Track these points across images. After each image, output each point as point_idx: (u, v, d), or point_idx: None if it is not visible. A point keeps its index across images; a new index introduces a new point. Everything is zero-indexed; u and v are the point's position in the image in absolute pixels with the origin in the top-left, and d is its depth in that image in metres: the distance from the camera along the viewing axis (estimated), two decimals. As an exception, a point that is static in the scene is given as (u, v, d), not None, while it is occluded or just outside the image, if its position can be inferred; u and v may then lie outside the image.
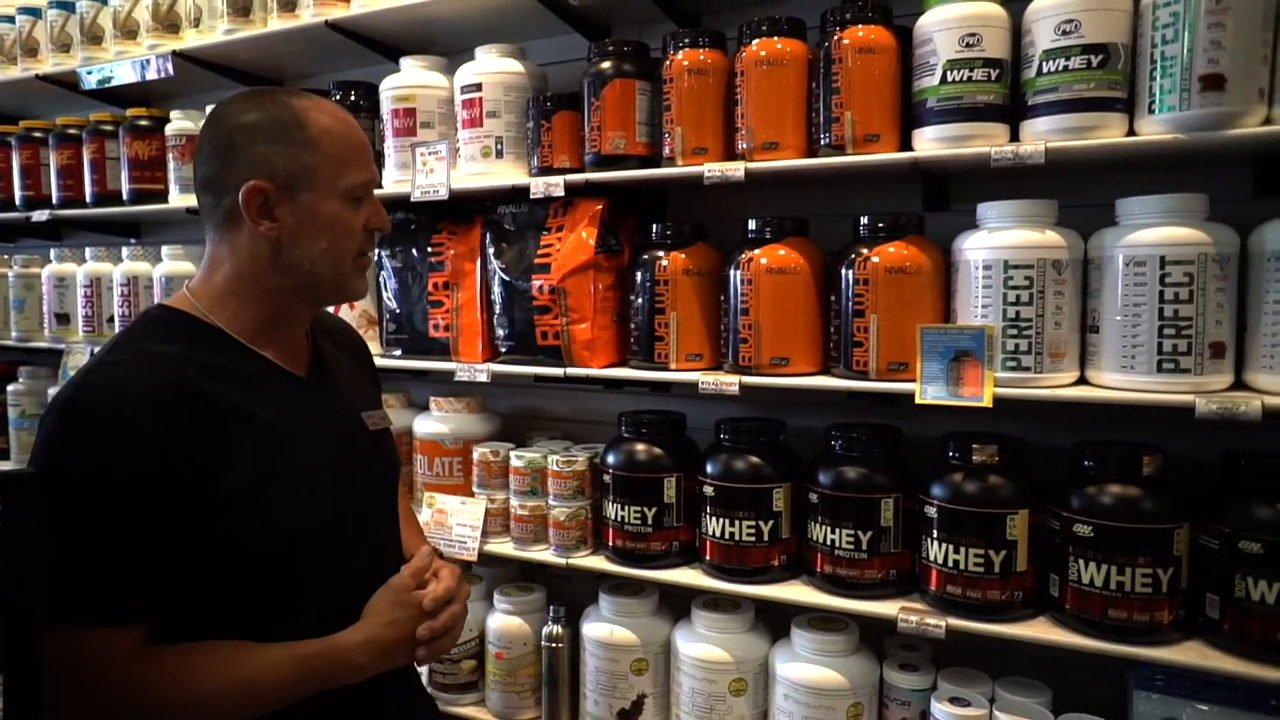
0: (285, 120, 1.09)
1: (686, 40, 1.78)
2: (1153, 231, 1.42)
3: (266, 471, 1.04)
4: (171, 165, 2.49)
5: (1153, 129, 1.41)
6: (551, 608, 1.99)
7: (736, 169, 1.68)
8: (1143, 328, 1.42)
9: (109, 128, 2.63)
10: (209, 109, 2.39)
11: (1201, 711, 1.46)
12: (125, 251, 2.58)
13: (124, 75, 2.46)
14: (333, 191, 1.11)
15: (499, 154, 2.01)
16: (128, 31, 2.50)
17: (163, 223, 2.95)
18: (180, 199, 2.48)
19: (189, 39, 2.40)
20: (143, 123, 2.56)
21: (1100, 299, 1.48)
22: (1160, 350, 1.41)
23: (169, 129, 2.49)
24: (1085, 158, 1.50)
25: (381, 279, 2.19)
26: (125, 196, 2.59)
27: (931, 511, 1.59)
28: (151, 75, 2.39)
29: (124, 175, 2.59)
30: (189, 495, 0.98)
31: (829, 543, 1.68)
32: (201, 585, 1.02)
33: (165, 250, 2.53)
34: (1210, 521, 1.43)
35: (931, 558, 1.59)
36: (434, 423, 2.15)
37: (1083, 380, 1.53)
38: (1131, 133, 1.45)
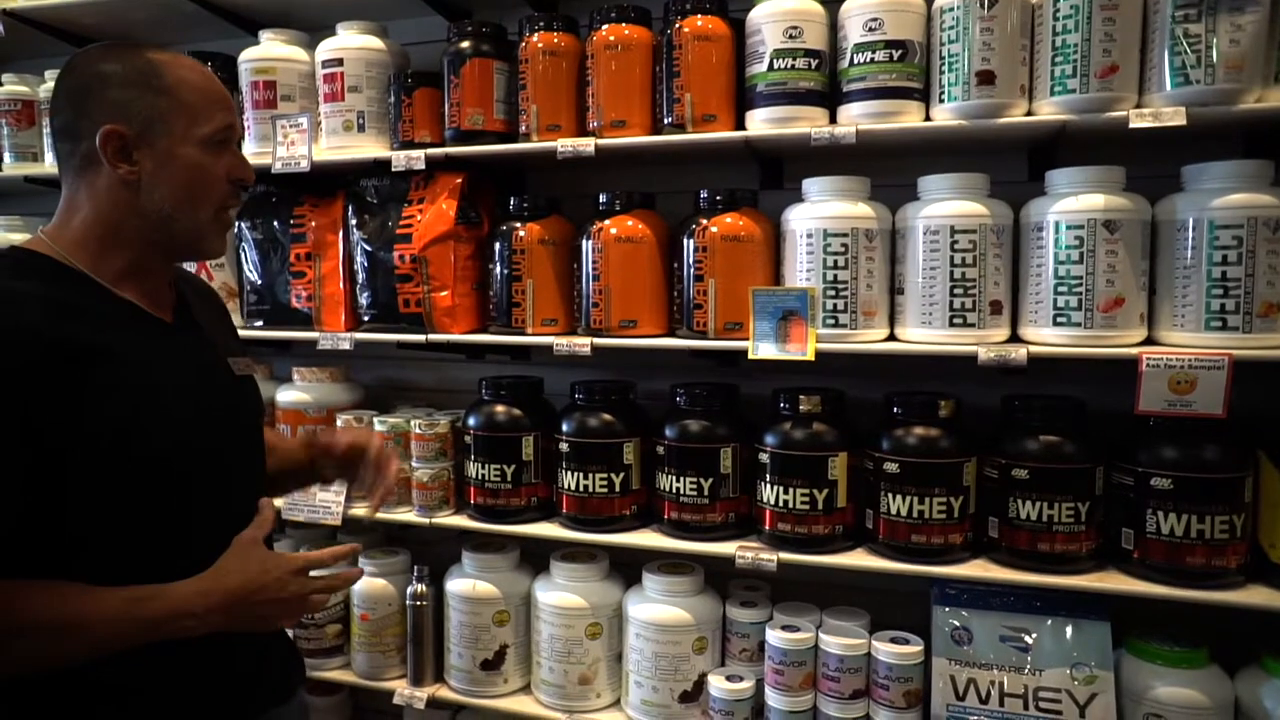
0: (142, 68, 1.10)
1: (542, 23, 1.89)
2: (946, 205, 1.64)
3: (135, 407, 1.04)
4: (5, 131, 2.38)
5: (943, 116, 1.63)
6: (416, 567, 2.06)
7: (587, 144, 1.80)
8: (938, 288, 1.64)
9: (-69, 91, 2.48)
10: (48, 74, 2.34)
11: (984, 616, 1.70)
12: (-47, 223, 2.44)
13: (-52, 36, 2.33)
14: (190, 137, 1.11)
15: (361, 128, 2.06)
16: (-48, -11, 2.37)
17: (-5, 195, 2.79)
18: (15, 167, 2.37)
19: (24, -1, 2.30)
20: (-30, 86, 2.43)
21: (905, 264, 1.69)
22: (952, 307, 1.63)
23: (1, 93, 2.37)
24: (889, 139, 1.71)
25: (242, 250, 2.18)
26: (-48, 165, 2.45)
27: (765, 458, 1.77)
28: (-20, 36, 2.27)
29: (-50, 142, 2.44)
30: (51, 433, 0.98)
31: (675, 491, 1.83)
32: (72, 521, 1.02)
33: (1, 221, 2.41)
34: (991, 455, 1.66)
35: (765, 500, 1.77)
36: (297, 392, 2.17)
37: (892, 337, 1.74)
38: (928, 119, 1.67)
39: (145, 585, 1.03)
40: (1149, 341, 1.56)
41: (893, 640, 1.74)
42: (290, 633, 1.46)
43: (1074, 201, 1.55)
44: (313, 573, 1.13)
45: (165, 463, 1.08)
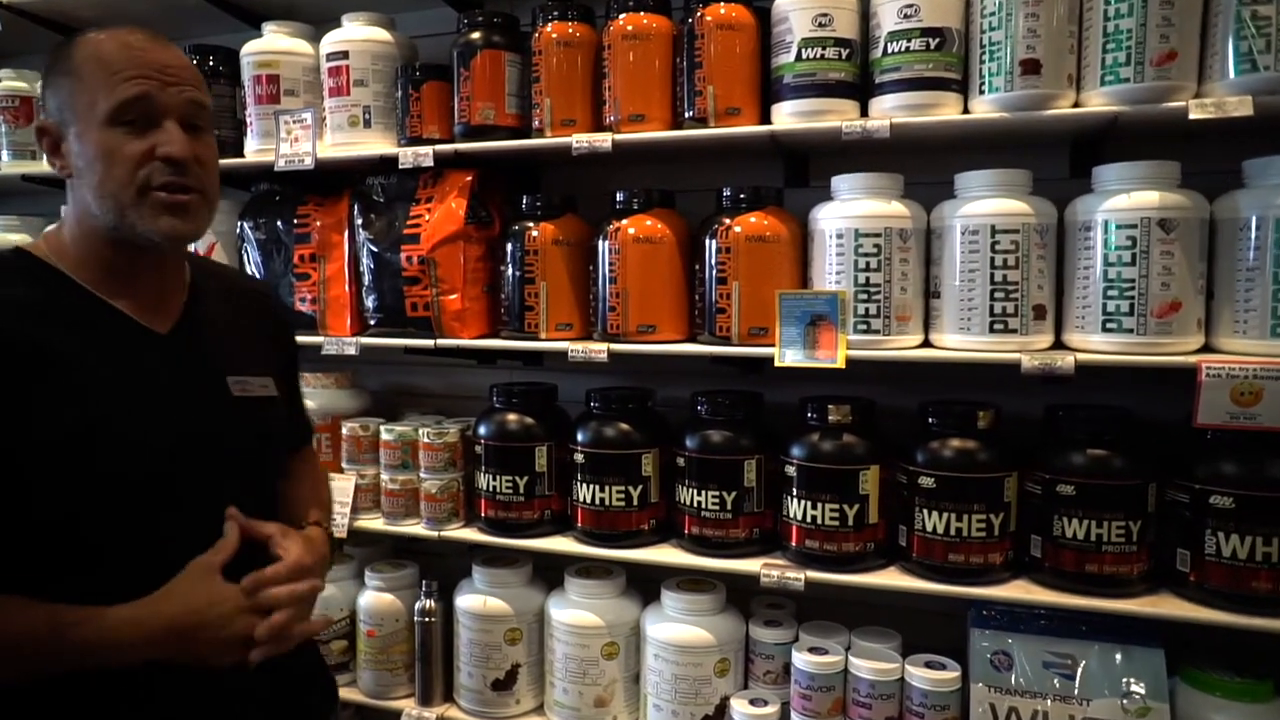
0: (59, 53, 1.04)
1: (556, 13, 1.80)
2: (985, 203, 1.54)
3: (89, 419, 0.97)
4: (3, 129, 2.31)
5: (983, 108, 1.53)
6: (424, 582, 1.97)
7: (604, 140, 1.71)
8: (977, 292, 1.54)
9: (-73, 87, 2.41)
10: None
11: (1026, 641, 1.59)
12: (-51, 222, 2.37)
13: (-56, 30, 2.26)
14: (94, 118, 1.00)
15: (367, 124, 1.97)
16: (-53, -18, 2.30)
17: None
18: (13, 165, 2.30)
19: (22, -7, 2.23)
20: (-33, 82, 2.35)
21: (941, 266, 1.59)
22: (992, 312, 1.53)
23: (-1, 89, 2.31)
24: (925, 134, 1.61)
25: (244, 251, 2.10)
26: (-52, 163, 2.38)
27: (791, 470, 1.67)
28: (-23, 30, 2.20)
29: (-54, 140, 2.37)
30: (2, 435, 0.93)
31: (696, 505, 1.73)
32: (16, 526, 0.97)
33: (-2, 221, 2.35)
34: (1034, 469, 1.56)
35: (792, 515, 1.67)
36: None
37: (927, 343, 1.64)
38: (966, 111, 1.57)
39: (78, 607, 0.95)
40: (1206, 349, 1.46)
41: (928, 665, 1.64)
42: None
43: (1125, 199, 1.45)
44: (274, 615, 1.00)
45: (114, 478, 0.99)
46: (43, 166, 2.29)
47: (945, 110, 1.56)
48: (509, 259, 1.83)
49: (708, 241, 1.69)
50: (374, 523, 1.99)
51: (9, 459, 0.94)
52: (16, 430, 0.94)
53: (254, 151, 2.05)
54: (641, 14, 1.73)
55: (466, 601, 1.92)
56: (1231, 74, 1.36)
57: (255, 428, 1.18)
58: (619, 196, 1.79)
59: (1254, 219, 1.39)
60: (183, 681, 1.01)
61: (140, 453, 1.02)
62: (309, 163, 1.94)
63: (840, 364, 1.58)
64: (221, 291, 1.21)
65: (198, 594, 0.99)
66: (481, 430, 1.87)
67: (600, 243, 1.76)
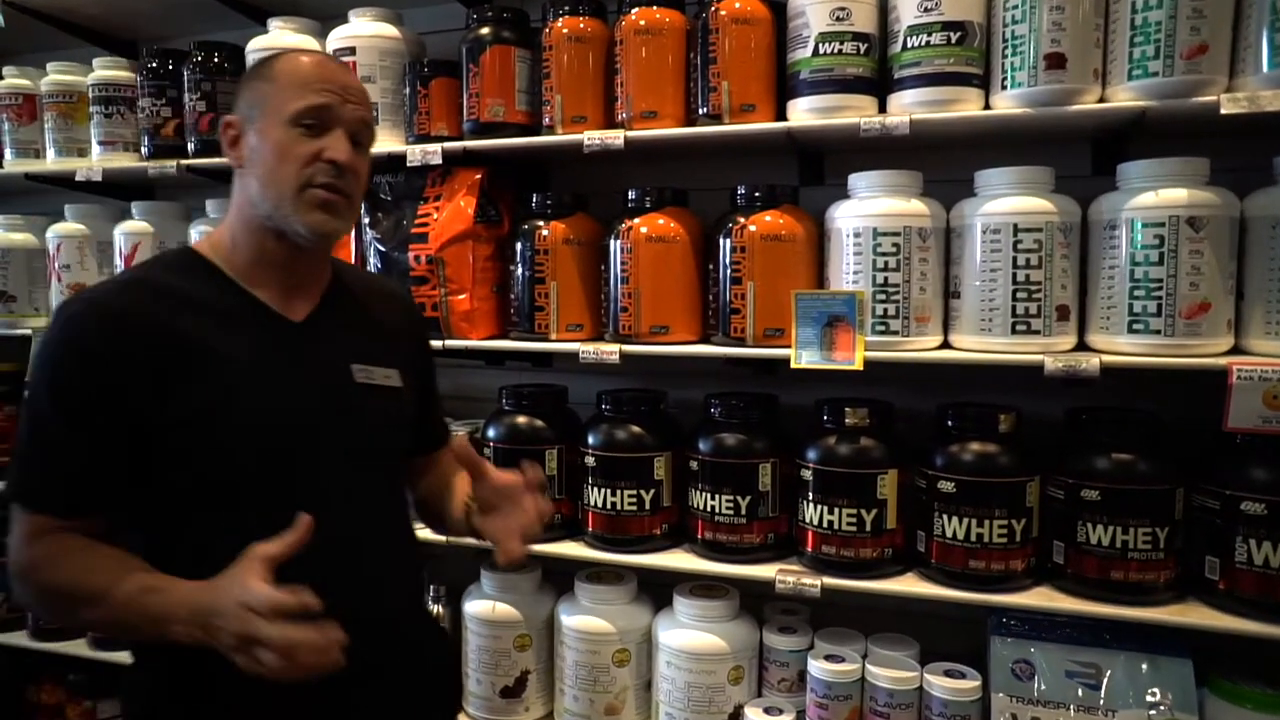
0: (261, 63, 1.18)
1: (566, 8, 1.77)
2: (1007, 201, 1.50)
3: (209, 404, 1.07)
4: (5, 127, 2.28)
5: (1005, 103, 1.49)
6: (432, 587, 1.94)
7: (616, 137, 1.68)
8: (999, 292, 1.50)
9: (-71, 85, 2.39)
10: (50, 67, 2.24)
11: (1048, 650, 1.55)
12: (-50, 222, 2.35)
13: (-53, 27, 2.24)
14: (279, 118, 1.11)
15: (374, 121, 1.94)
16: (-50, -21, 2.28)
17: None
18: (16, 164, 2.28)
19: (25, -11, 2.21)
20: (-31, 79, 2.33)
21: (961, 265, 1.55)
22: (1014, 313, 1.49)
23: (1, 86, 2.27)
24: (946, 130, 1.58)
25: (247, 251, 2.07)
26: (-50, 161, 2.36)
27: (807, 474, 1.63)
28: (-20, 27, 2.18)
29: (-54, 138, 2.35)
30: (137, 415, 1.04)
31: (709, 509, 1.70)
32: (151, 495, 1.08)
33: (0, 220, 2.31)
34: (1057, 474, 1.52)
35: (808, 519, 1.64)
36: (305, 401, 2.05)
37: (946, 344, 1.60)
38: (987, 107, 1.53)
39: (164, 577, 1.04)
40: (1237, 350, 1.42)
41: (947, 673, 1.60)
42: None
43: (1152, 197, 1.41)
44: (288, 631, 0.93)
45: (237, 453, 1.09)
46: (47, 165, 2.27)
47: (966, 106, 1.52)
48: (519, 258, 1.80)
49: (722, 241, 1.65)
50: (381, 526, 1.95)
51: (148, 431, 1.05)
52: (156, 407, 1.05)
53: (259, 149, 2.02)
54: (655, 8, 1.69)
55: (475, 607, 1.88)
56: (1265, 67, 1.33)
57: (378, 414, 1.24)
58: (631, 195, 1.75)
59: (1287, 217, 1.35)
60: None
61: (261, 430, 1.11)
62: (315, 161, 1.90)
63: (858, 365, 1.54)
64: (360, 289, 1.31)
65: (224, 584, 0.99)
66: (490, 432, 1.84)
67: (612, 242, 1.72)
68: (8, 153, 2.29)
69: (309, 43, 2.01)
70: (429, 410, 1.40)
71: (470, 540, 1.86)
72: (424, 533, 1.90)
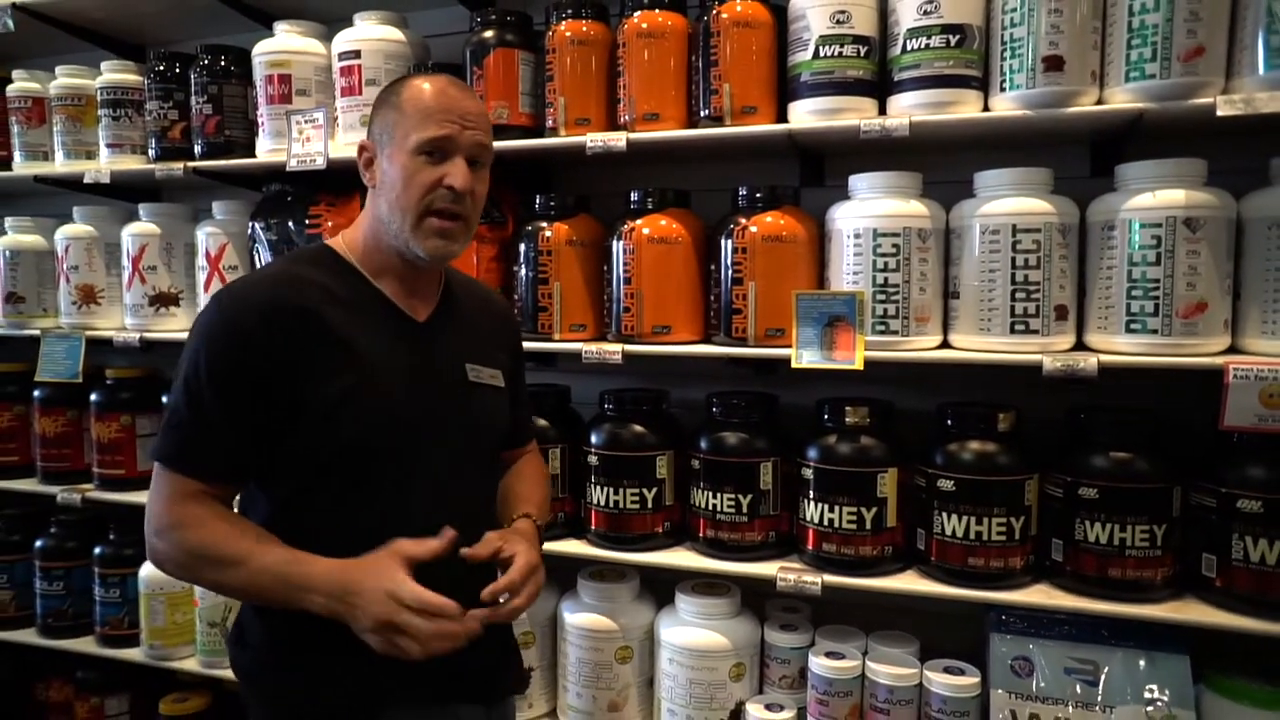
0: (391, 87, 1.27)
1: (570, 11, 1.79)
2: (1006, 202, 1.51)
3: (349, 388, 1.18)
4: (15, 130, 2.31)
5: (1004, 105, 1.51)
6: (436, 585, 1.95)
7: (619, 139, 1.70)
8: (998, 292, 1.52)
9: (-62, 88, 2.41)
10: (58, 70, 2.26)
11: (1047, 646, 1.57)
12: (-37, 224, 2.37)
13: (-45, 31, 2.26)
14: (405, 146, 1.21)
15: (379, 123, 1.96)
16: (-42, -17, 2.30)
17: (4, 195, 2.71)
18: (25, 166, 2.30)
19: (34, -7, 2.23)
20: (-20, 83, 2.36)
21: (961, 266, 1.57)
22: (1013, 313, 1.51)
23: (11, 90, 2.31)
24: (945, 132, 1.59)
25: (256, 251, 2.09)
26: (-41, 163, 2.38)
27: (808, 473, 1.65)
28: (-11, 31, 2.20)
29: (-44, 141, 2.38)
30: (282, 394, 1.15)
31: (711, 508, 1.71)
32: (283, 469, 1.20)
33: (10, 222, 2.34)
34: (1055, 472, 1.54)
35: (808, 518, 1.65)
36: (311, 400, 2.07)
37: (946, 344, 1.62)
38: (986, 109, 1.55)
39: (305, 552, 1.15)
40: (1234, 350, 1.43)
41: (946, 670, 1.62)
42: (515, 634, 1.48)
43: (1150, 198, 1.42)
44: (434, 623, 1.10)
45: (359, 433, 1.18)
46: (55, 168, 2.29)
47: (965, 108, 1.53)
48: (522, 259, 1.82)
49: (723, 241, 1.67)
50: (386, 525, 1.97)
51: (292, 410, 1.16)
52: (301, 388, 1.16)
53: (266, 151, 2.04)
54: (657, 11, 1.71)
55: (479, 604, 1.90)
56: (1262, 69, 1.34)
57: (485, 409, 1.36)
58: (634, 196, 1.77)
59: (1283, 218, 1.37)
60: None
61: (388, 417, 1.21)
62: (320, 163, 1.93)
63: (858, 365, 1.56)
64: (468, 296, 1.42)
65: (372, 568, 1.12)
66: (494, 432, 1.86)
67: (615, 243, 1.74)
68: (17, 155, 2.31)
69: (315, 46, 2.03)
70: (519, 410, 1.50)
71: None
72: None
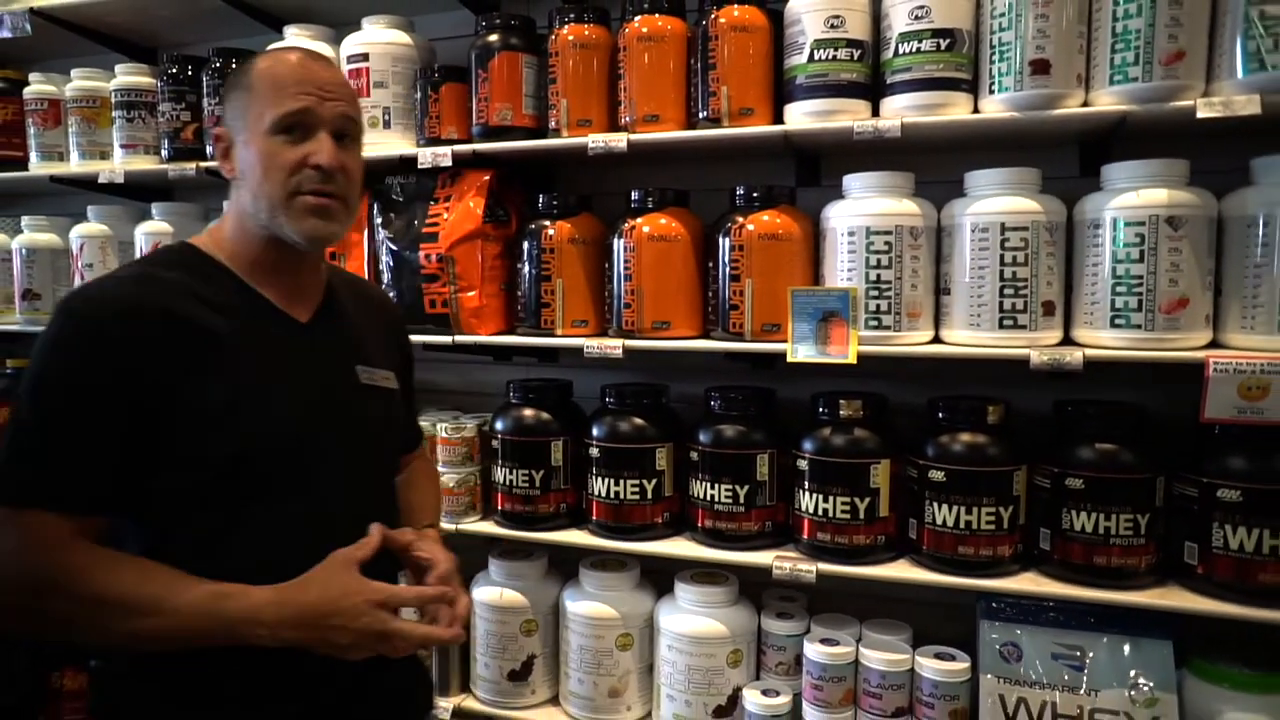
0: (239, 72, 1.18)
1: (572, 15, 1.83)
2: (995, 201, 1.56)
3: (231, 395, 1.08)
4: (31, 131, 2.36)
5: (993, 107, 1.55)
6: (441, 575, 2.00)
7: (619, 140, 1.75)
8: (987, 288, 1.56)
9: (-43, 90, 2.47)
10: (74, 73, 2.32)
11: (1035, 633, 1.61)
12: (-21, 223, 2.44)
13: (-26, 34, 2.32)
14: (260, 127, 1.12)
15: (386, 125, 2.01)
16: (-22, -14, 2.36)
17: (21, 195, 2.76)
18: (42, 167, 2.36)
19: (50, -3, 2.28)
20: (-3, 84, 2.41)
21: (951, 263, 1.61)
22: (1001, 308, 1.55)
23: (28, 92, 2.36)
24: (936, 133, 1.64)
25: (264, 250, 2.14)
26: (-23, 164, 2.44)
27: (803, 464, 1.70)
28: (6, 34, 2.25)
29: (-24, 141, 2.43)
30: (152, 406, 1.04)
31: (709, 498, 1.76)
32: (159, 491, 1.07)
33: (26, 221, 2.40)
34: (1043, 463, 1.58)
35: (803, 508, 1.70)
36: (320, 395, 2.13)
37: (937, 339, 1.66)
38: (976, 111, 1.59)
39: (231, 584, 1.04)
40: (1215, 344, 1.48)
41: (937, 656, 1.66)
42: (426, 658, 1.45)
43: (1134, 197, 1.47)
44: (408, 615, 1.09)
45: (243, 450, 1.08)
46: (70, 168, 2.35)
47: (956, 110, 1.58)
48: (526, 257, 1.87)
49: (721, 239, 1.72)
50: (393, 516, 2.03)
51: (165, 423, 1.04)
52: (173, 398, 1.05)
53: (276, 152, 2.09)
54: (656, 16, 1.76)
55: (483, 593, 1.95)
56: (1240, 73, 1.38)
57: (378, 413, 1.29)
58: (634, 195, 1.82)
59: (1262, 216, 1.41)
60: (306, 669, 1.10)
61: (277, 425, 1.12)
62: (330, 163, 1.97)
63: (852, 359, 1.60)
64: (353, 293, 1.34)
65: (334, 584, 1.06)
66: (499, 425, 1.91)
67: (615, 241, 1.79)
68: (33, 156, 2.37)
69: (323, 49, 2.08)
70: (409, 412, 1.45)
71: (479, 529, 1.95)
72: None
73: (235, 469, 1.08)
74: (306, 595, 1.05)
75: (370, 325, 1.34)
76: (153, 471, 1.05)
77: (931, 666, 1.63)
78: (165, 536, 1.08)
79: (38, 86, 2.36)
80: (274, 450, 1.11)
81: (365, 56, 2.00)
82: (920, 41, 1.56)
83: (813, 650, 1.71)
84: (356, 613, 1.05)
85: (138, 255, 2.27)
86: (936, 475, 1.60)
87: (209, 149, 2.17)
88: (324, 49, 2.08)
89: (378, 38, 2.01)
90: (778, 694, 1.74)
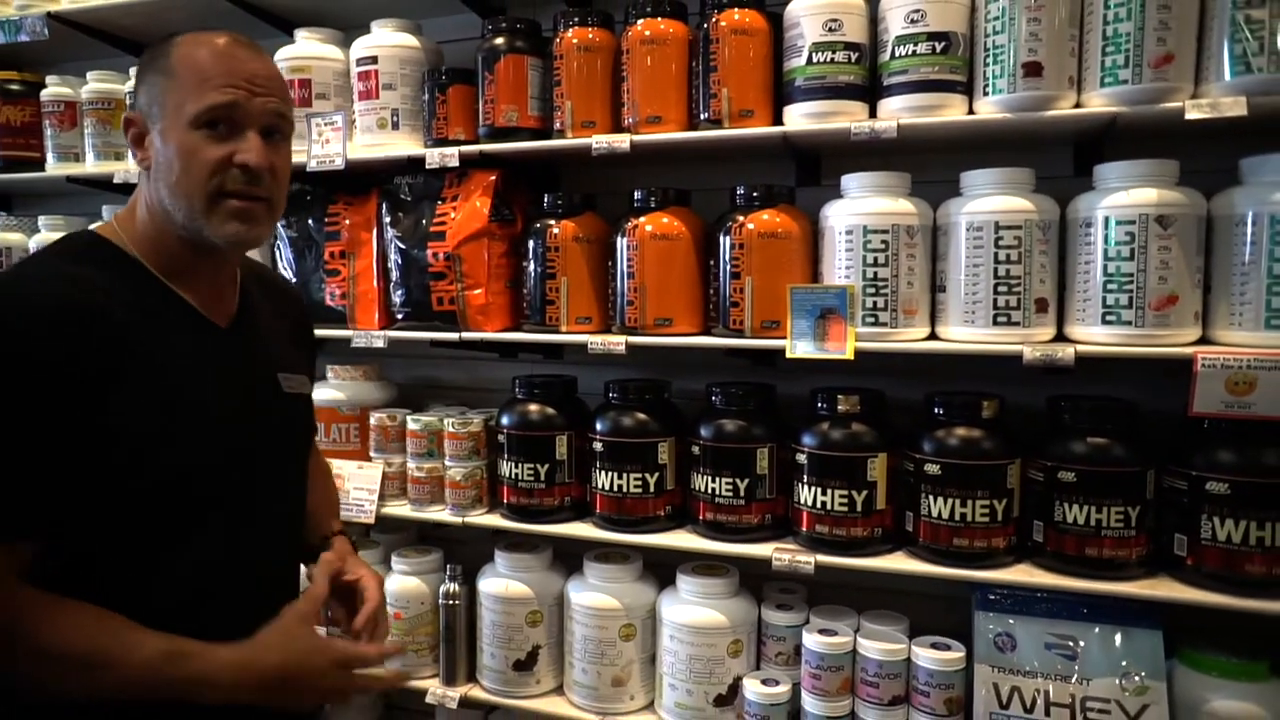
0: (156, 51, 1.07)
1: (576, 19, 1.87)
2: (989, 201, 1.59)
3: (162, 409, 1.01)
4: (48, 132, 2.41)
5: (987, 109, 1.59)
6: (449, 566, 2.05)
7: (622, 141, 1.78)
8: (981, 285, 1.60)
9: (-26, 91, 2.52)
10: (90, 76, 2.36)
11: (1028, 623, 1.65)
12: (-4, 222, 2.49)
13: (-8, 37, 2.37)
14: (181, 119, 1.02)
15: (395, 126, 2.05)
16: (-5, -10, 2.41)
17: (37, 195, 2.82)
18: (58, 168, 2.41)
19: (65, 1, 2.33)
20: (14, 87, 2.45)
21: (947, 261, 1.65)
22: (996, 306, 1.58)
23: (45, 94, 2.41)
24: (932, 134, 1.67)
25: (277, 248, 2.19)
26: (-6, 164, 2.49)
27: (802, 458, 1.73)
28: (24, 37, 2.30)
29: (-8, 142, 2.48)
30: (81, 420, 0.95)
31: (710, 492, 1.80)
32: (87, 514, 0.98)
33: (43, 221, 2.45)
34: (1036, 457, 1.62)
35: (802, 501, 1.74)
36: (330, 390, 2.17)
37: (933, 336, 1.70)
38: (971, 112, 1.63)
39: (186, 640, 0.99)
40: (1204, 341, 1.51)
41: (933, 646, 1.70)
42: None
43: (1125, 196, 1.50)
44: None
45: (178, 470, 1.02)
46: (86, 169, 2.40)
47: (951, 111, 1.61)
48: (531, 255, 1.91)
49: (722, 238, 1.76)
50: (400, 509, 2.07)
51: (95, 440, 0.95)
52: (102, 410, 0.96)
53: (287, 153, 2.13)
54: (659, 20, 1.80)
55: (489, 585, 1.99)
56: (1227, 75, 1.41)
57: (300, 423, 1.28)
58: (637, 195, 1.86)
59: (1250, 215, 1.44)
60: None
61: (210, 442, 1.06)
62: (339, 163, 2.02)
63: (849, 356, 1.64)
64: (263, 290, 1.27)
65: (297, 644, 1.04)
66: (504, 420, 1.95)
67: (619, 239, 1.83)
68: (50, 157, 2.42)
69: (334, 52, 2.13)
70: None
71: (485, 522, 1.99)
72: (440, 515, 2.03)
73: (169, 490, 1.02)
74: (272, 656, 1.02)
75: (282, 325, 1.28)
76: (76, 497, 0.96)
77: (927, 656, 1.67)
78: (88, 566, 0.99)
79: (54, 89, 2.41)
80: (207, 467, 1.05)
81: (374, 59, 2.04)
82: (916, 44, 1.60)
83: (811, 640, 1.75)
84: (320, 674, 1.04)
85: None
86: (932, 469, 1.64)
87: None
88: (334, 51, 2.13)
89: (386, 41, 2.05)
90: (777, 683, 1.78)
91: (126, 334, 0.99)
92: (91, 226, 1.14)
